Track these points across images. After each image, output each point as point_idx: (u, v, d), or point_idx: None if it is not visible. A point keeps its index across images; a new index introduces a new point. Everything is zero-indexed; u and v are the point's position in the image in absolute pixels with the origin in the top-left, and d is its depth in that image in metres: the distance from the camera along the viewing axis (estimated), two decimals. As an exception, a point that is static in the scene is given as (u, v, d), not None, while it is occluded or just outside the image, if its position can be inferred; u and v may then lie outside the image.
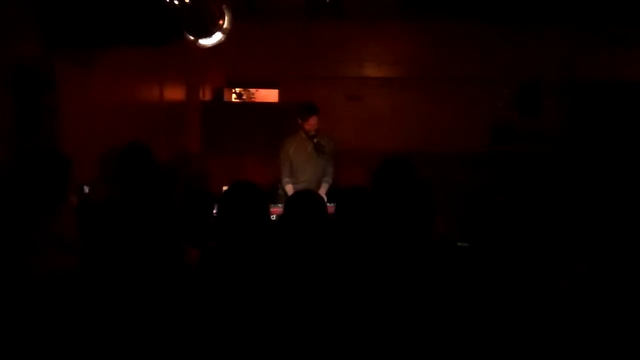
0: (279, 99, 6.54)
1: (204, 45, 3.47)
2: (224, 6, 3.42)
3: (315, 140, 4.22)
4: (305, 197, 2.32)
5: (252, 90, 7.95)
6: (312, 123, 4.19)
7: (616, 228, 2.93)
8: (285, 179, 4.31)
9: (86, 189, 3.15)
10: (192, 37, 3.41)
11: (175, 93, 5.52)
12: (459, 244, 2.50)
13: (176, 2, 2.96)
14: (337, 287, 2.04)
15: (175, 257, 2.35)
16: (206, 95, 6.39)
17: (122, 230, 2.39)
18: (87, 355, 2.06)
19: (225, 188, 2.67)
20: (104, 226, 2.45)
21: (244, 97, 7.95)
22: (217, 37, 3.44)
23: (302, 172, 4.33)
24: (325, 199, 3.62)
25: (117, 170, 2.91)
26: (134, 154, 2.97)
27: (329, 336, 1.95)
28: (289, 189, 4.25)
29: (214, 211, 3.51)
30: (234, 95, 7.76)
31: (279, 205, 3.80)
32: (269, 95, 7.43)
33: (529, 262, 2.11)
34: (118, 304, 2.15)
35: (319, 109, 4.23)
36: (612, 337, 1.98)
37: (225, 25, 3.43)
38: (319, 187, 4.33)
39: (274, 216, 3.46)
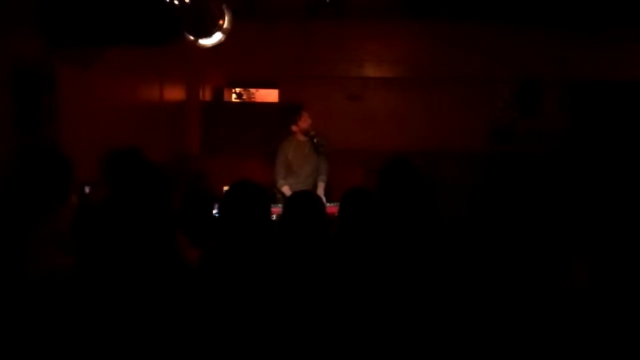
0: (279, 99, 6.54)
1: (204, 45, 3.47)
2: (224, 6, 3.43)
3: (315, 140, 4.24)
4: (304, 198, 2.33)
5: (252, 90, 7.96)
6: (306, 119, 4.26)
7: (616, 227, 2.93)
8: (281, 181, 4.34)
9: (86, 189, 3.15)
10: (192, 37, 3.41)
11: (175, 93, 5.52)
12: None
13: (176, 2, 2.97)
14: (338, 287, 2.04)
15: (173, 257, 2.35)
16: (206, 95, 6.38)
17: (118, 231, 2.38)
18: (86, 356, 2.06)
19: (225, 188, 2.67)
20: (102, 226, 2.44)
21: (244, 97, 7.96)
22: (217, 37, 3.44)
23: (299, 173, 4.36)
24: (324, 199, 3.64)
25: (109, 173, 2.89)
26: (125, 157, 2.92)
27: (329, 336, 1.95)
28: (286, 189, 4.27)
29: (214, 211, 3.51)
30: (234, 95, 7.77)
31: (279, 205, 3.80)
32: (269, 95, 7.44)
33: (528, 260, 2.11)
34: (117, 304, 2.15)
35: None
36: (611, 336, 1.98)
37: (225, 25, 3.44)
38: (315, 184, 4.35)
39: (274, 216, 3.46)
